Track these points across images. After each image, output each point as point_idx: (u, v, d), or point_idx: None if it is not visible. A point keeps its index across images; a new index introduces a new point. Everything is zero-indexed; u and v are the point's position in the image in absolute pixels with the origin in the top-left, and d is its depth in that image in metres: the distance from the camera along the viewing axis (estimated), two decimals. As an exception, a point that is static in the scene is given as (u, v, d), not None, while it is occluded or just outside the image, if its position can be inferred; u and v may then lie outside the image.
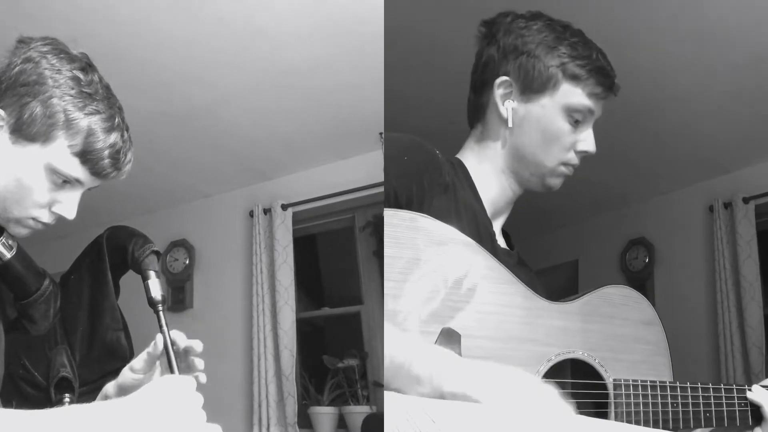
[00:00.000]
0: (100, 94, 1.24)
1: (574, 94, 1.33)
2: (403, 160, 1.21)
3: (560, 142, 1.35)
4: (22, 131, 1.20)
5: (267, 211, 4.10)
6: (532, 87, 1.33)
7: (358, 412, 3.72)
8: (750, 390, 1.38)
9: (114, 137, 1.24)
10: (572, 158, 1.37)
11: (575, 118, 1.34)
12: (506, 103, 1.35)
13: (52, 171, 1.21)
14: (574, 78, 1.33)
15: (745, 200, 3.71)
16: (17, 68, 1.21)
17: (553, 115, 1.34)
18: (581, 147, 1.37)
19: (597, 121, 1.40)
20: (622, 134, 3.51)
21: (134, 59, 2.92)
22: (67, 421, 1.00)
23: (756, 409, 1.38)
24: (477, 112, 1.41)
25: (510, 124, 1.35)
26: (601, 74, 1.34)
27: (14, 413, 0.99)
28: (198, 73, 3.11)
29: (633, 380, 1.30)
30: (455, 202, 1.26)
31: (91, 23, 2.68)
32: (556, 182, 1.39)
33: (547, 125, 1.34)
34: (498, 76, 1.35)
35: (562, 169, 1.38)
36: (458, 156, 1.42)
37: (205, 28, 2.80)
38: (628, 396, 1.30)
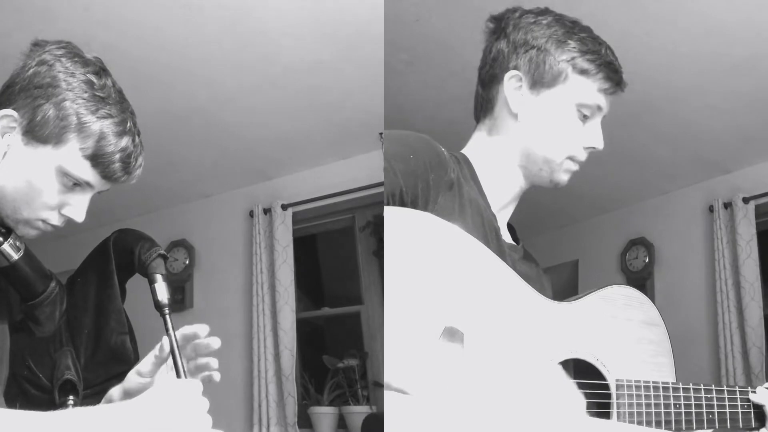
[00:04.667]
0: (112, 98, 1.25)
1: (583, 89, 1.34)
2: (409, 158, 1.20)
3: (568, 137, 1.35)
4: (35, 133, 1.20)
5: (267, 211, 4.10)
6: (542, 81, 1.34)
7: (358, 412, 3.72)
8: (754, 392, 1.38)
9: (125, 141, 1.24)
10: (579, 154, 1.37)
11: (584, 113, 1.35)
12: (517, 97, 1.35)
13: (63, 173, 1.21)
14: (583, 73, 1.33)
15: (745, 200, 3.71)
16: (31, 70, 1.22)
17: (563, 109, 1.34)
18: (589, 143, 1.36)
19: (598, 119, 1.40)
20: (622, 134, 3.50)
21: (134, 59, 2.91)
22: (73, 423, 1.00)
23: (759, 410, 1.38)
24: (485, 106, 1.41)
25: (520, 118, 1.35)
26: (609, 69, 1.35)
27: (20, 414, 0.99)
28: (198, 73, 3.11)
29: (636, 380, 1.30)
30: (460, 198, 1.26)
31: (90, 23, 2.68)
32: (563, 178, 1.39)
33: (556, 119, 1.34)
34: (508, 70, 1.35)
35: (569, 164, 1.37)
36: (464, 150, 1.42)
37: (205, 28, 2.80)
38: (630, 396, 1.29)
